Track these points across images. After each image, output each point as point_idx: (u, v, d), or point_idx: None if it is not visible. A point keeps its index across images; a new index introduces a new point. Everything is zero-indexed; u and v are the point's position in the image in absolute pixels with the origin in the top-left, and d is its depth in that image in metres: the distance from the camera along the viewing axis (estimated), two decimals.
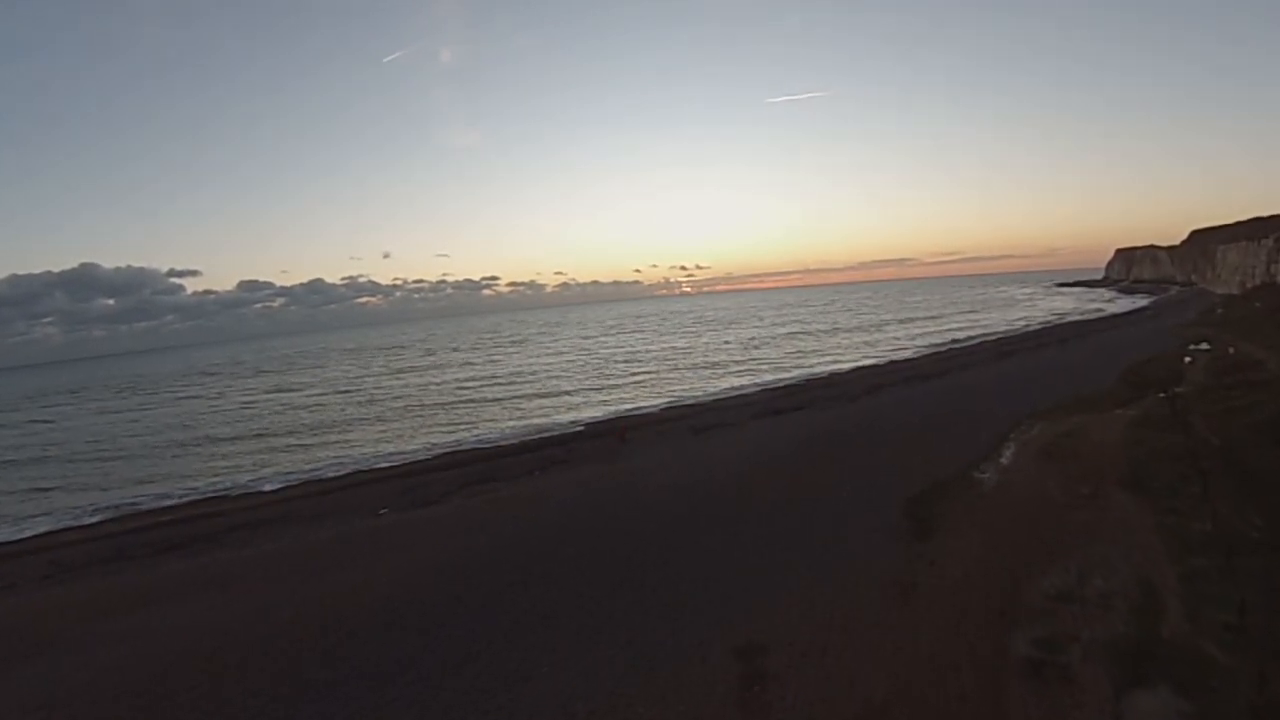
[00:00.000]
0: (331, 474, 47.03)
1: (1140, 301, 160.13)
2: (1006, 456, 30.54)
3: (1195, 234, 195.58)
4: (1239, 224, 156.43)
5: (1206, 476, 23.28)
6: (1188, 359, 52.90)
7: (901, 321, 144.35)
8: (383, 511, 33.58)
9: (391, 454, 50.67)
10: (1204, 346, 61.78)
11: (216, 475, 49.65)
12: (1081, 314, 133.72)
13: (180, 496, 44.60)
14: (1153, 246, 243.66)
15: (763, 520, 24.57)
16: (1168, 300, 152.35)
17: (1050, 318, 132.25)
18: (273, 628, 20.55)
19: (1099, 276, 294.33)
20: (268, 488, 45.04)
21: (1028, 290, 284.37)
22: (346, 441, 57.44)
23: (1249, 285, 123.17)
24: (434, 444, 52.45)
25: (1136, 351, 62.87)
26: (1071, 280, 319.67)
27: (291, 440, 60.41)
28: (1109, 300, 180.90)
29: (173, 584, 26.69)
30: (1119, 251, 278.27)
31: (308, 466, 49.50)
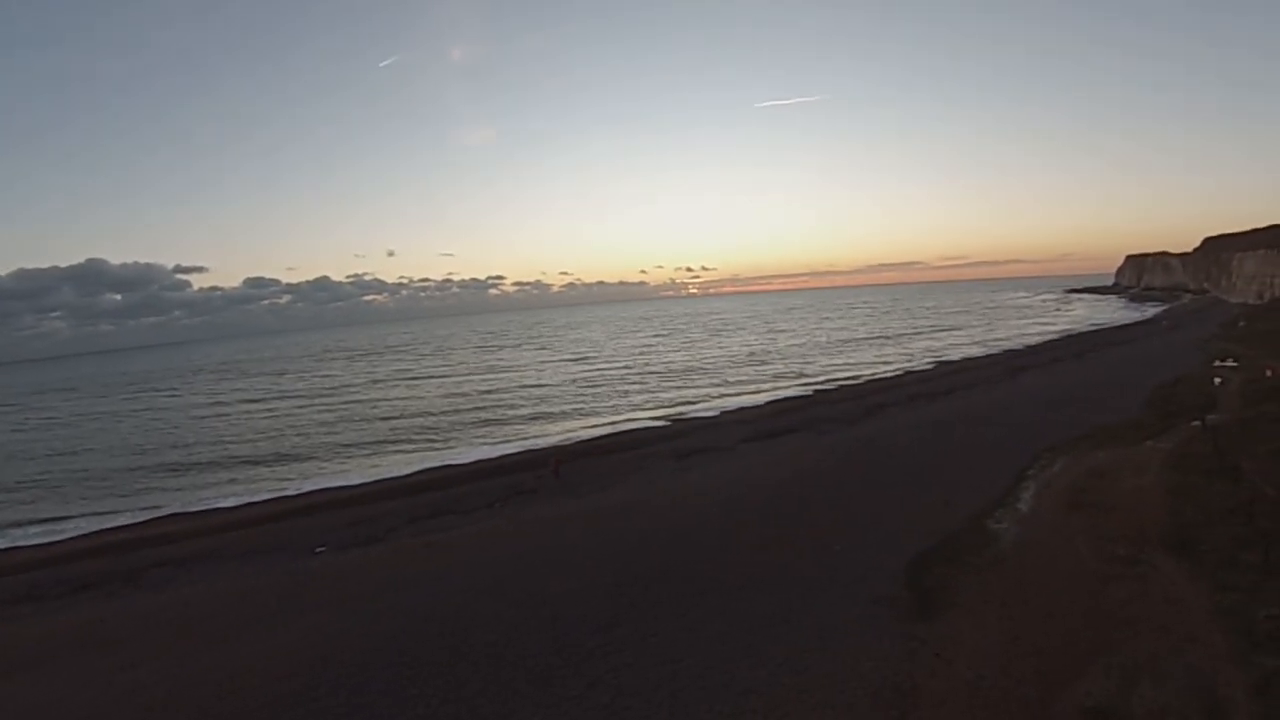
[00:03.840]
0: (289, 493, 43.92)
1: (1153, 310, 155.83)
2: (1025, 501, 26.63)
3: (1209, 241, 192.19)
4: (1256, 231, 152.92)
5: (1269, 541, 19.47)
6: (1217, 380, 48.92)
7: (908, 333, 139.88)
8: (319, 550, 30.04)
9: (355, 474, 47.24)
10: (1230, 364, 57.88)
11: (172, 492, 47.04)
12: (1096, 324, 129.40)
13: (130, 516, 41.86)
14: (1164, 253, 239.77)
15: (735, 589, 20.64)
16: (1182, 310, 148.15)
17: (1064, 328, 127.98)
18: (133, 716, 17.00)
19: (1109, 283, 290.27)
20: (221, 505, 42.40)
21: (1039, 297, 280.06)
22: (314, 459, 54.02)
23: (1267, 295, 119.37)
24: (403, 464, 48.92)
25: (1159, 368, 59.00)
26: (1082, 286, 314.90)
27: (259, 456, 57.10)
28: (1122, 309, 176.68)
29: (62, 639, 23.44)
30: (1130, 258, 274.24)
31: (267, 486, 46.22)
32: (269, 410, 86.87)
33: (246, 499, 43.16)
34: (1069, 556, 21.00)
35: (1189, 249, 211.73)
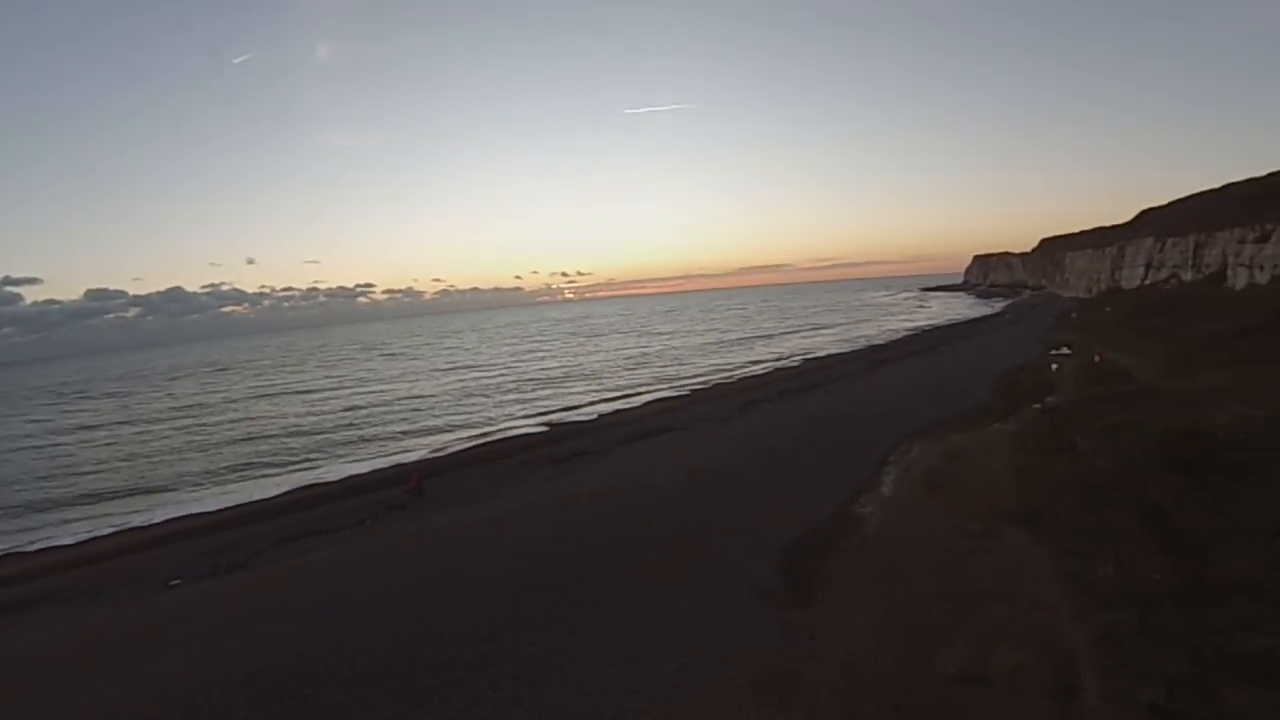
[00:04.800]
0: (140, 524, 40.41)
1: (998, 305, 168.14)
2: (888, 486, 28.03)
3: (1045, 242, 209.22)
4: (1084, 233, 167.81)
5: (1102, 509, 21.26)
6: (1054, 366, 53.22)
7: (779, 332, 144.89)
8: (174, 583, 27.81)
9: (214, 499, 44.05)
10: (1065, 352, 63.13)
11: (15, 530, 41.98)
12: (950, 320, 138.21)
13: None
14: (1007, 253, 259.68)
15: (615, 591, 20.54)
16: (1023, 304, 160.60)
17: (920, 323, 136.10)
18: None
19: (960, 281, 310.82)
20: (61, 542, 38.42)
21: (900, 295, 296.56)
22: (168, 488, 49.89)
23: (1095, 290, 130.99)
24: (268, 486, 46.05)
25: (1005, 358, 63.56)
26: (936, 285, 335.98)
27: (105, 488, 52.06)
28: (971, 305, 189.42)
29: None
30: (977, 258, 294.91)
31: (114, 520, 42.10)
32: (115, 436, 80.00)
33: (90, 534, 39.47)
34: (930, 535, 22.22)
35: (1028, 249, 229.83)
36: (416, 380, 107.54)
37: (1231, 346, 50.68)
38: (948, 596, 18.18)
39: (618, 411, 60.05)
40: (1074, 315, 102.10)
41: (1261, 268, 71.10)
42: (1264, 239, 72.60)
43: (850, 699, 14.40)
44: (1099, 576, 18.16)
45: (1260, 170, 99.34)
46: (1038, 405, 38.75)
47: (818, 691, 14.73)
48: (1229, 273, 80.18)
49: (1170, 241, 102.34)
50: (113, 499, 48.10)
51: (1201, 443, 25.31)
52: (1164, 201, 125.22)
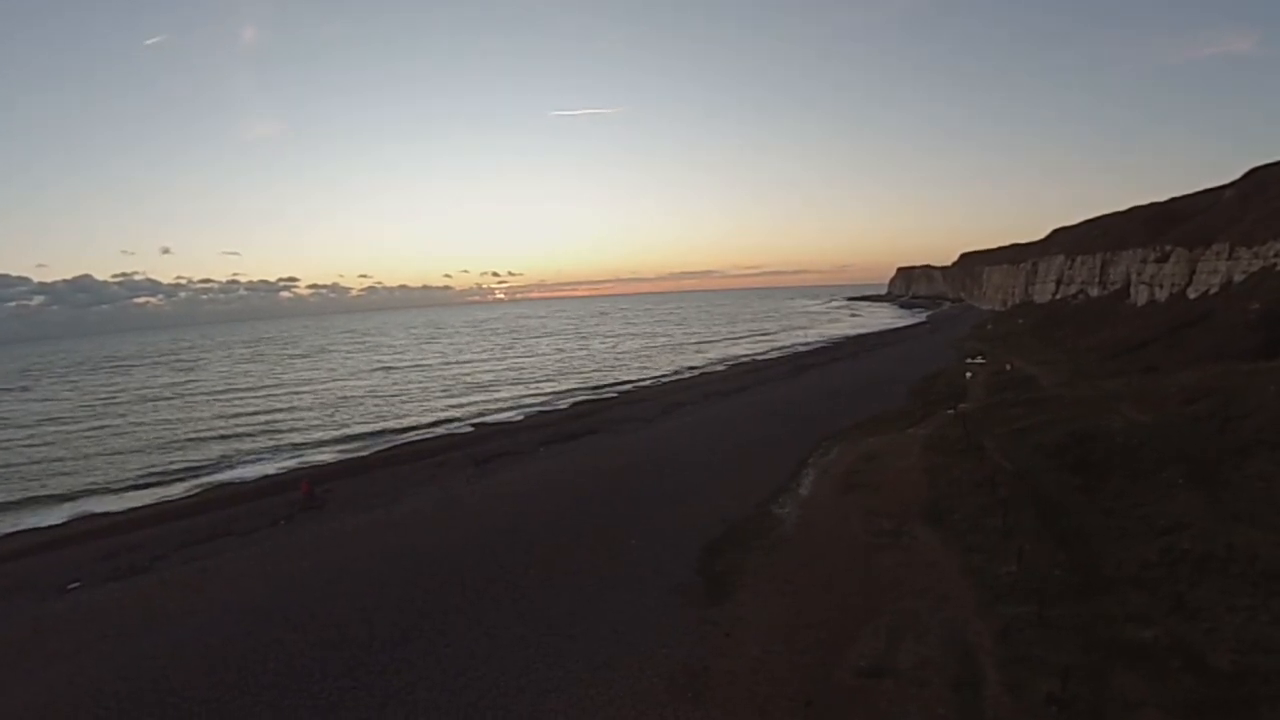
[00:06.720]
0: (33, 525, 37.89)
1: (919, 316, 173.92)
2: (806, 486, 28.63)
3: (964, 256, 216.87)
4: (1001, 249, 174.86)
5: (1006, 507, 22.06)
6: (968, 374, 55.23)
7: (709, 338, 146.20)
8: (73, 586, 26.17)
9: (118, 500, 41.74)
10: (979, 360, 65.60)
11: None
12: (872, 328, 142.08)
13: None
14: (928, 266, 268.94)
15: (532, 592, 20.41)
16: (942, 315, 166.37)
17: (844, 331, 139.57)
18: None
19: (884, 291, 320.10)
20: None
21: (829, 304, 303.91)
22: (69, 489, 46.88)
23: (1010, 303, 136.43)
24: (181, 485, 43.93)
25: (922, 364, 65.62)
26: (861, 295, 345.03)
27: (7, 482, 48.78)
28: (894, 314, 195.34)
29: None
30: (900, 269, 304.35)
31: (5, 523, 39.34)
32: (13, 436, 75.23)
33: None
34: (844, 533, 22.73)
35: (949, 263, 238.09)
36: (340, 380, 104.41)
37: (1129, 357, 53.47)
38: (859, 592, 18.60)
39: (543, 413, 59.59)
40: (989, 326, 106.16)
41: (1161, 286, 75.02)
42: (1164, 259, 76.68)
43: (763, 694, 14.59)
44: (1002, 572, 18.84)
45: (1162, 195, 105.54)
46: (950, 410, 40.09)
47: (732, 687, 14.89)
48: (1132, 290, 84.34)
49: (1079, 259, 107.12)
50: (8, 501, 45.07)
51: (1097, 445, 26.63)
52: (1074, 222, 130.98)
